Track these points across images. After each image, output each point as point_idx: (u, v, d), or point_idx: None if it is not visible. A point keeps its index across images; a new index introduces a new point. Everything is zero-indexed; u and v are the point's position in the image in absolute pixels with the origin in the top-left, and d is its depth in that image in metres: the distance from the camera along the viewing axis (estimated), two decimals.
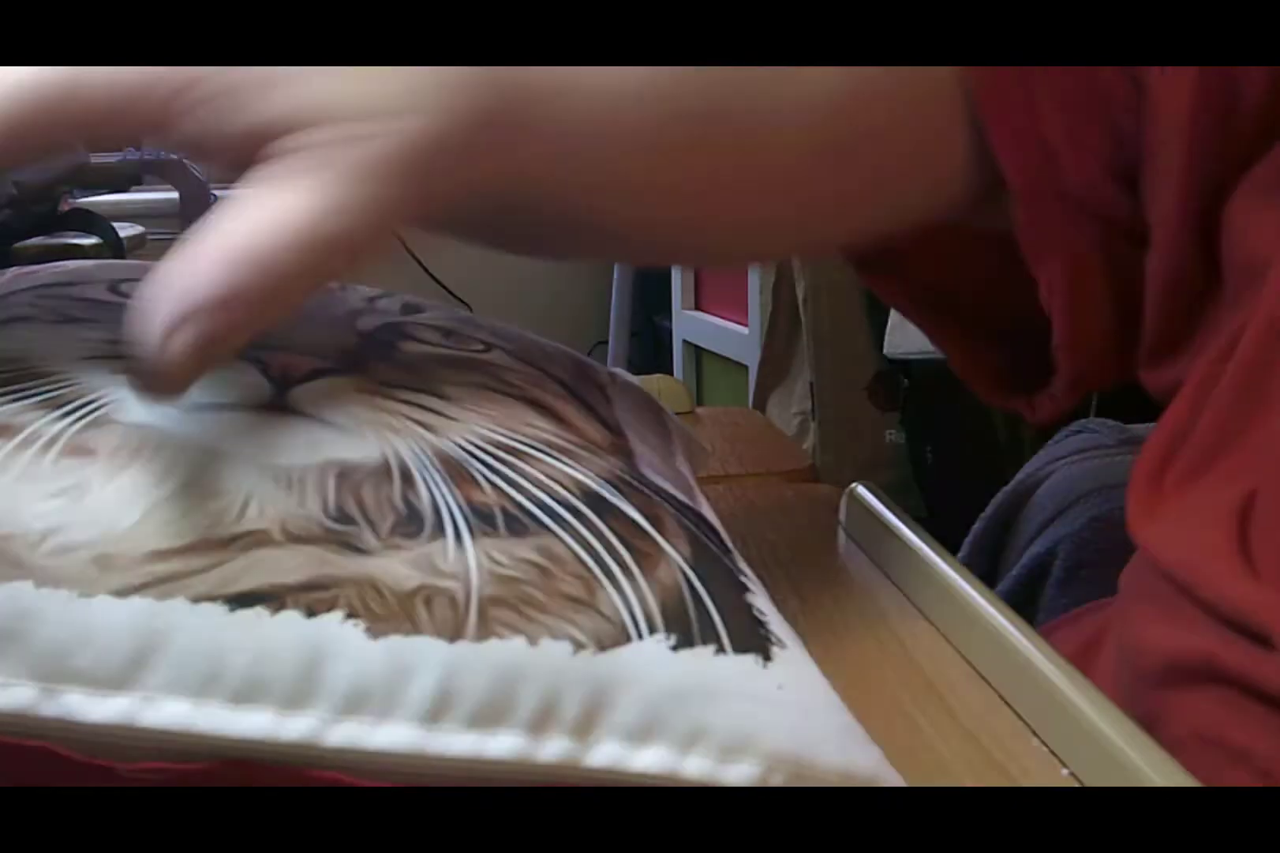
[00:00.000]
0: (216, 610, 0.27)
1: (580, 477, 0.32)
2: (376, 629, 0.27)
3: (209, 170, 1.89)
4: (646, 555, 0.30)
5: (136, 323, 0.30)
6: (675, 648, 0.28)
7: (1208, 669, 0.35)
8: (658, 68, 0.36)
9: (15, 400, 0.31)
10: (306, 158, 0.32)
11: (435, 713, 0.27)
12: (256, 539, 0.28)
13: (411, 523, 0.29)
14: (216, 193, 1.88)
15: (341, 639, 0.27)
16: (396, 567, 0.28)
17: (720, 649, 0.29)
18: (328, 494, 0.29)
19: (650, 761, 0.27)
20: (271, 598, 0.27)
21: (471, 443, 0.32)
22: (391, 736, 0.27)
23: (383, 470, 0.30)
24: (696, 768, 0.28)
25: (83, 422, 0.30)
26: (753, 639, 0.30)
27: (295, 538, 0.28)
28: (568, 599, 0.28)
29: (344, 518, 0.29)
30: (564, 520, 0.30)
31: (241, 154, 0.32)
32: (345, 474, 0.30)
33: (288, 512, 0.28)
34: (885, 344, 1.81)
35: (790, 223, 0.42)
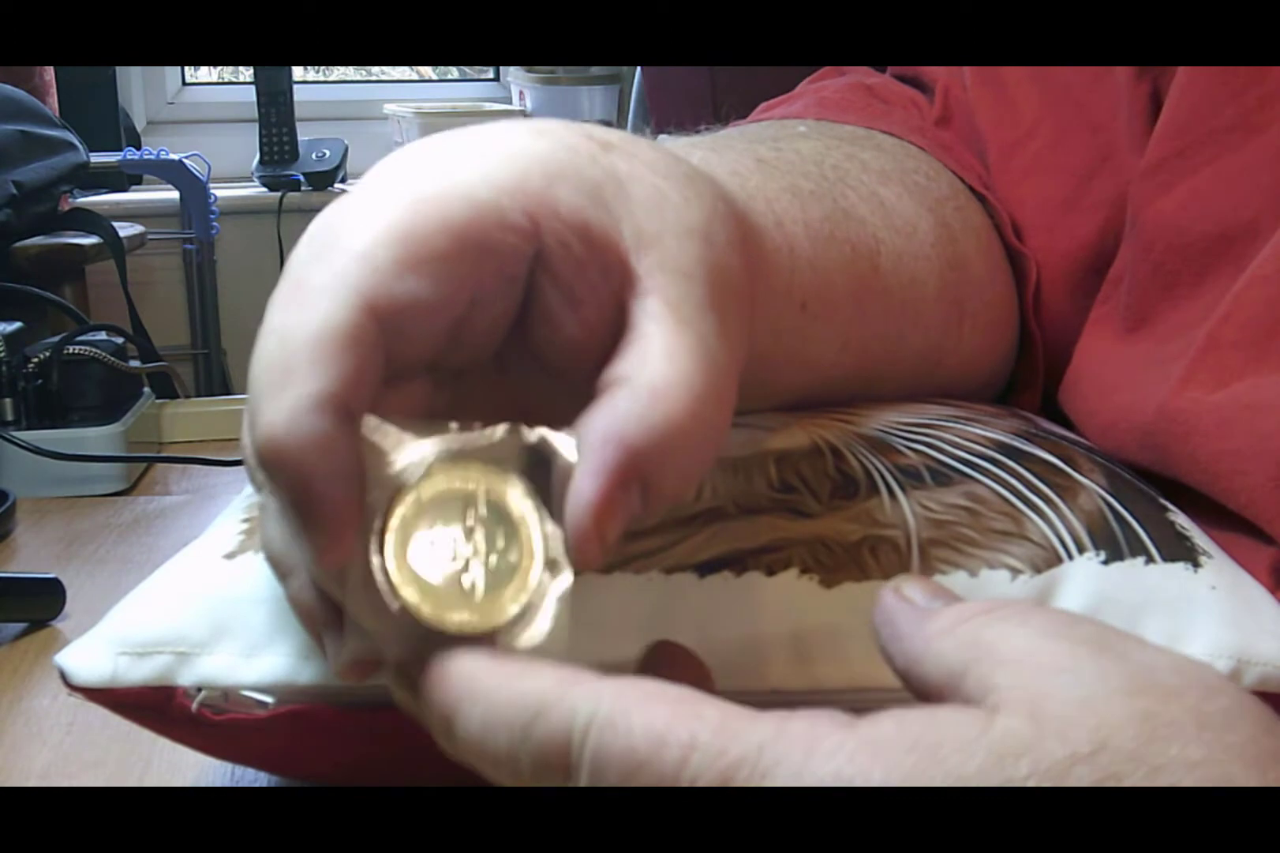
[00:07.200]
0: (688, 579, 0.31)
1: (989, 434, 0.34)
2: (830, 580, 0.30)
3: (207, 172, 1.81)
4: (1066, 489, 0.32)
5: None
6: (1106, 562, 0.31)
7: None
8: None
9: None
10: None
11: None
12: (714, 515, 0.32)
13: (847, 487, 0.32)
14: (216, 193, 1.84)
15: (799, 592, 0.30)
16: (840, 524, 0.31)
17: (1150, 560, 0.31)
18: (770, 473, 0.33)
19: None
20: (735, 562, 0.31)
21: (887, 425, 0.35)
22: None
23: (815, 451, 0.34)
24: None
25: None
26: (1179, 549, 0.31)
27: (747, 510, 0.32)
28: (999, 533, 0.31)
29: (787, 488, 0.32)
30: (983, 469, 0.33)
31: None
32: (783, 458, 0.33)
33: (738, 490, 0.32)
34: None
35: None
